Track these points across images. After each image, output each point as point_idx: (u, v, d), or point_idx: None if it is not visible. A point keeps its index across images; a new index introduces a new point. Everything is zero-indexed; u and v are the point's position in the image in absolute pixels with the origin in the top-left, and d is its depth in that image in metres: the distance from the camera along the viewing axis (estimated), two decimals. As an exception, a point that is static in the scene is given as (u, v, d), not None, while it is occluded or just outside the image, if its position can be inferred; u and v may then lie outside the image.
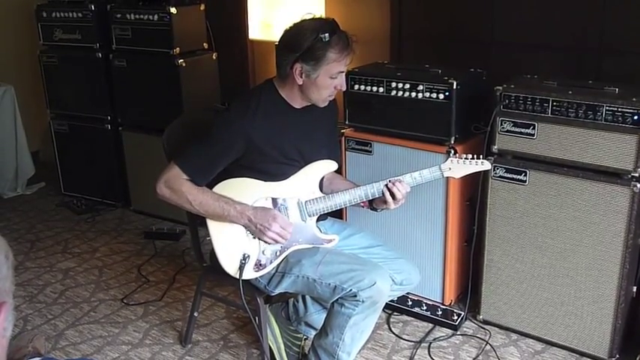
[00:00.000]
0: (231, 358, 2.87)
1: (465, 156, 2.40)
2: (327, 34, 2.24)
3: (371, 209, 2.52)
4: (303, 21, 2.33)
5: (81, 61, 4.32)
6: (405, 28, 3.69)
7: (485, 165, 2.42)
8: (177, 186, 2.33)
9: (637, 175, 2.48)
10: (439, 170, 2.39)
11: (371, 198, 2.41)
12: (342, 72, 2.33)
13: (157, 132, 2.88)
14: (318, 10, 3.47)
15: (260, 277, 2.41)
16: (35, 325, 3.13)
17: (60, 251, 3.93)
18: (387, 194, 2.35)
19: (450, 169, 2.39)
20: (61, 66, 4.41)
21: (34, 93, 4.90)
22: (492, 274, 2.92)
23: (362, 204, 2.49)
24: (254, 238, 2.37)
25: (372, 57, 3.42)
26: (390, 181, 2.36)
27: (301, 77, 2.29)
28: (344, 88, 2.39)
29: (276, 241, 2.35)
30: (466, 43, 3.48)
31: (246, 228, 2.36)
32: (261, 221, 2.32)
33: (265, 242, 2.36)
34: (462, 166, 2.40)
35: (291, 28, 2.33)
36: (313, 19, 2.36)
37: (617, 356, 2.70)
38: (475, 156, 2.40)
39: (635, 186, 2.47)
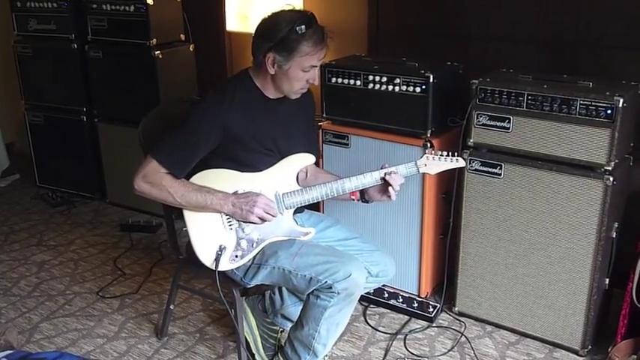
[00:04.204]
0: (207, 350, 2.86)
1: (440, 153, 2.42)
2: (302, 27, 2.23)
3: (362, 201, 2.52)
4: (281, 11, 2.33)
5: (56, 52, 4.27)
6: (383, 21, 3.70)
7: (460, 162, 2.44)
8: (157, 180, 2.32)
9: (610, 168, 2.50)
10: (415, 166, 2.40)
11: (347, 192, 2.42)
12: (315, 66, 2.32)
13: (133, 124, 2.86)
14: (296, 1, 3.46)
15: (236, 269, 2.41)
16: (9, 319, 3.10)
17: (35, 244, 3.89)
18: (393, 182, 2.37)
19: (425, 165, 2.41)
20: (35, 57, 4.36)
21: (9, 84, 4.84)
22: (468, 266, 2.94)
23: (352, 196, 2.49)
24: (231, 229, 2.37)
25: (349, 50, 3.42)
26: (386, 173, 2.38)
27: (273, 67, 2.29)
28: (316, 83, 2.39)
29: (264, 219, 2.33)
30: (443, 36, 3.49)
31: (230, 215, 2.35)
32: (245, 201, 2.32)
33: (253, 223, 2.34)
34: (437, 163, 2.41)
35: (268, 17, 2.33)
36: (291, 11, 2.35)
37: (590, 347, 2.73)
38: (450, 153, 2.42)
39: (608, 179, 2.50)
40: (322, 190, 2.41)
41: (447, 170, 2.47)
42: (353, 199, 2.52)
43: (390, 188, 2.38)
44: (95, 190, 4.46)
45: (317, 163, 2.63)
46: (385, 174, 2.38)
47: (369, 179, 2.39)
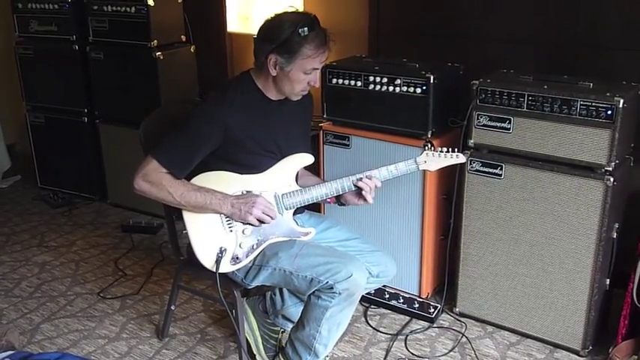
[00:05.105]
0: (208, 351, 2.86)
1: (440, 149, 2.42)
2: (305, 29, 2.24)
3: (338, 204, 2.53)
4: (284, 13, 2.33)
5: (57, 53, 4.27)
6: (384, 22, 3.70)
7: (460, 158, 2.44)
8: (157, 179, 2.31)
9: (610, 169, 2.51)
10: (415, 163, 2.40)
11: (347, 191, 2.42)
12: (317, 69, 2.33)
13: (134, 125, 2.86)
14: (297, 3, 3.47)
15: (237, 270, 2.41)
16: (10, 320, 3.10)
17: (36, 245, 3.89)
18: (364, 186, 2.37)
19: (425, 162, 2.41)
20: (37, 58, 4.37)
21: (10, 85, 4.85)
22: (468, 267, 2.94)
23: (328, 199, 2.49)
24: (231, 231, 2.37)
25: (350, 51, 3.43)
26: (358, 178, 2.38)
27: (275, 69, 2.29)
28: (317, 85, 2.40)
29: (262, 221, 2.34)
30: (444, 37, 3.49)
31: (229, 215, 2.35)
32: (244, 202, 2.32)
33: (251, 224, 2.35)
34: (437, 159, 2.41)
35: (271, 18, 2.33)
36: (294, 12, 2.36)
37: (591, 348, 2.73)
38: (450, 149, 2.42)
39: (609, 180, 2.50)
40: (322, 190, 2.41)
41: (448, 166, 2.47)
42: (329, 202, 2.53)
43: (363, 192, 2.39)
44: (96, 191, 4.46)
45: (313, 166, 2.63)
46: (358, 180, 2.38)
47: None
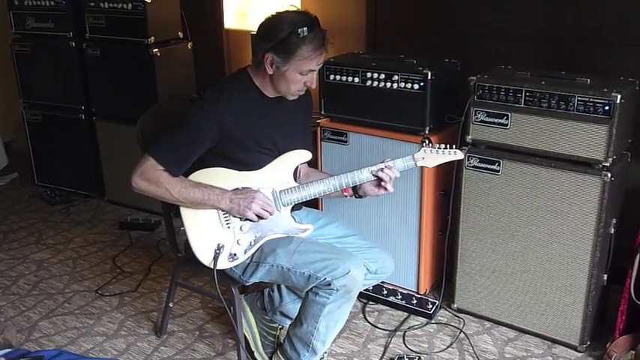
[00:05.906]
0: (206, 348, 2.86)
1: (438, 145, 2.42)
2: (304, 29, 2.22)
3: (356, 196, 2.52)
4: (285, 11, 2.32)
5: (54, 50, 4.26)
6: (381, 18, 3.69)
7: (458, 154, 2.44)
8: (155, 177, 2.31)
9: (607, 164, 2.51)
10: (412, 160, 2.40)
11: (345, 187, 2.42)
12: (313, 70, 2.32)
13: (131, 122, 2.86)
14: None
15: (235, 267, 2.41)
16: (8, 317, 3.10)
17: (34, 242, 3.89)
18: (385, 176, 2.37)
19: (423, 158, 2.40)
20: (33, 55, 4.35)
21: (7, 82, 4.83)
22: (466, 263, 2.94)
23: (344, 192, 2.49)
24: (229, 227, 2.37)
25: (347, 47, 3.42)
26: (379, 168, 2.37)
27: (271, 67, 2.28)
28: (314, 86, 2.39)
29: (261, 216, 2.34)
30: (441, 34, 3.49)
31: (228, 210, 2.35)
32: (243, 197, 2.32)
33: (249, 220, 2.35)
34: (435, 156, 2.41)
35: (271, 16, 2.32)
36: (295, 12, 2.34)
37: (588, 343, 2.73)
38: (448, 145, 2.42)
39: (606, 175, 2.50)
40: (319, 187, 2.41)
41: (446, 163, 2.46)
42: (346, 196, 2.52)
43: (386, 178, 2.38)
44: (94, 189, 4.46)
45: (311, 163, 2.63)
46: (378, 169, 2.38)
47: (366, 174, 2.39)
